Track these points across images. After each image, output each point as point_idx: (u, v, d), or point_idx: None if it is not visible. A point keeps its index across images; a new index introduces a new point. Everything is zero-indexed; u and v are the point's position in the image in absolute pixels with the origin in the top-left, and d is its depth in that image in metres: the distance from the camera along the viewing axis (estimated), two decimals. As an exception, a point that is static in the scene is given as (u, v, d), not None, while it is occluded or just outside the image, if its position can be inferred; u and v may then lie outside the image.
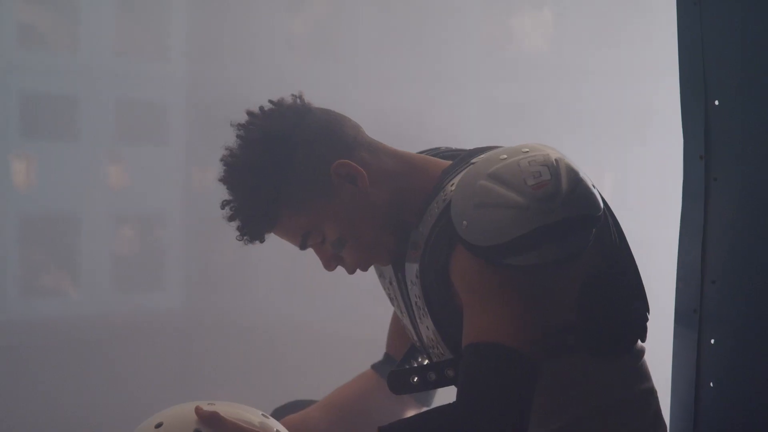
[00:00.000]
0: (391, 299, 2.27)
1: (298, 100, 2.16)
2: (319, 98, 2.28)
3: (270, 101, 2.16)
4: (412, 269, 2.11)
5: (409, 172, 2.15)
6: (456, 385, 2.00)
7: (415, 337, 2.21)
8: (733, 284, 2.07)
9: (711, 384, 2.09)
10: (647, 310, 2.13)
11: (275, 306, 26.37)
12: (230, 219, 2.13)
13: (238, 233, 2.14)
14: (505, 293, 1.95)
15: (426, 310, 2.09)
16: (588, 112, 25.17)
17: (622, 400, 2.09)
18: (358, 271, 2.18)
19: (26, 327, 21.80)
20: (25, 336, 21.18)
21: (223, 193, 2.19)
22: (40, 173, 24.34)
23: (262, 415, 2.03)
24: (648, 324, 2.15)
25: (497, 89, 25.66)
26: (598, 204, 2.01)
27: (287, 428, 2.30)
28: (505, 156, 2.02)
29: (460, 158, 2.13)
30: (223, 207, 2.14)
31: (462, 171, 2.07)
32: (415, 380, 2.12)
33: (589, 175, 2.08)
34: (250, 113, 2.15)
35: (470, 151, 2.18)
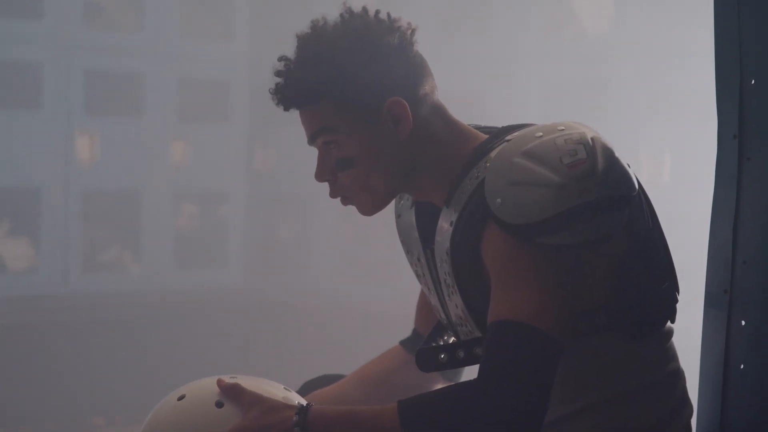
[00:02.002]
0: (418, 276, 2.27)
1: (410, 32, 2.17)
2: None
3: (388, 14, 2.18)
4: (442, 246, 2.10)
5: (454, 143, 2.14)
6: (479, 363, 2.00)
7: (443, 315, 2.20)
8: (765, 265, 2.05)
9: (741, 366, 2.07)
10: (677, 291, 2.12)
11: (332, 285, 26.35)
12: (277, 74, 2.15)
13: (273, 89, 2.15)
14: (535, 272, 1.94)
15: (456, 287, 2.08)
16: (649, 92, 24.88)
17: (650, 381, 2.08)
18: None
19: (88, 301, 21.92)
20: (87, 310, 21.34)
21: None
22: (104, 149, 24.46)
23: (285, 388, 2.05)
24: (678, 305, 2.14)
25: (557, 69, 25.43)
26: (633, 184, 2.00)
27: (318, 402, 2.31)
28: (541, 134, 2.01)
29: (493, 135, 2.12)
30: (280, 60, 2.16)
31: (497, 148, 2.07)
32: (443, 358, 2.12)
33: (627, 155, 2.07)
34: (365, 9, 2.17)
35: (504, 128, 2.17)
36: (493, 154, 2.06)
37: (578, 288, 1.98)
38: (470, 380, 1.95)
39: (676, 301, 2.12)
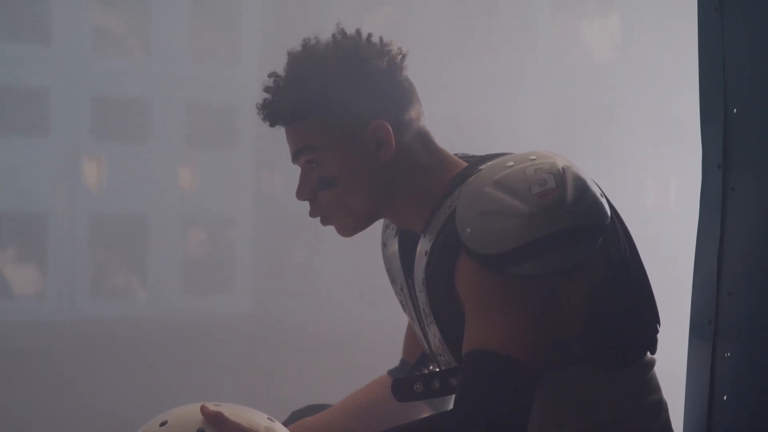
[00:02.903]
0: (403, 306, 2.27)
1: (400, 57, 2.18)
2: None
3: (381, 38, 2.19)
4: (419, 276, 2.10)
5: (435, 171, 2.14)
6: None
7: (426, 344, 2.20)
8: (750, 296, 2.04)
9: (725, 398, 2.06)
10: (657, 321, 2.11)
11: (340, 310, 26.30)
12: (266, 90, 2.16)
13: (260, 104, 2.17)
14: (506, 302, 1.94)
15: (432, 317, 2.08)
16: (656, 118, 24.87)
17: (630, 412, 2.07)
18: None
19: (95, 326, 21.90)
20: (94, 335, 21.31)
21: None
22: (111, 174, 24.49)
23: (268, 418, 2.04)
24: (658, 336, 2.13)
25: (564, 96, 25.45)
26: (605, 213, 1.99)
27: (303, 431, 2.30)
28: (512, 163, 2.01)
29: (471, 164, 2.13)
30: (270, 76, 2.17)
31: (470, 177, 2.07)
32: (418, 388, 2.11)
33: (598, 183, 2.06)
34: (359, 31, 2.18)
35: (482, 157, 2.17)
36: (465, 184, 2.06)
37: (552, 317, 1.97)
38: (446, 411, 1.95)
39: (656, 331, 2.11)
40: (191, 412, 2.01)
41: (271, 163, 27.65)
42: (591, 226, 1.96)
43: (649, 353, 2.11)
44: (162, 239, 25.94)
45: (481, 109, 25.20)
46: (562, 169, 1.98)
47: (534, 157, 2.02)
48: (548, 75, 25.25)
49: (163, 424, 2.00)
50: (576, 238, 1.94)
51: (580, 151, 25.06)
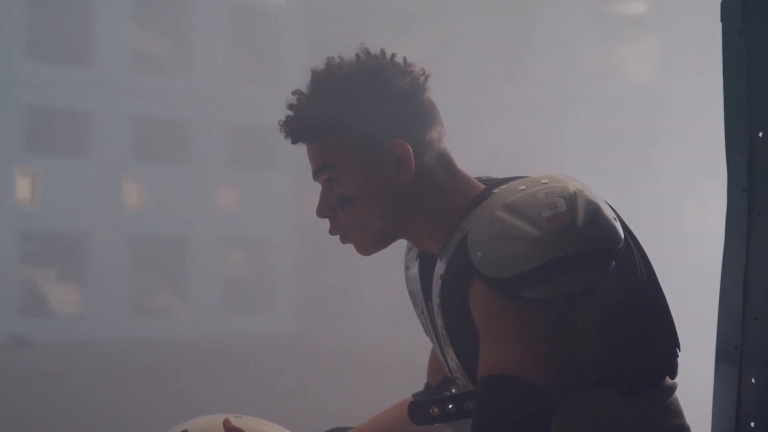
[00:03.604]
0: (425, 329, 2.26)
1: (423, 78, 2.18)
2: None
3: (404, 58, 2.19)
4: (436, 299, 2.10)
5: (453, 193, 2.14)
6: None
7: (446, 367, 2.20)
8: (775, 322, 2.01)
9: (752, 424, 2.03)
10: (677, 346, 2.09)
11: (381, 331, 26.24)
12: (289, 107, 2.17)
13: (282, 121, 2.17)
14: (519, 326, 1.93)
15: (449, 340, 2.08)
16: (695, 140, 24.70)
17: None
18: None
19: (134, 346, 21.96)
20: (133, 355, 21.39)
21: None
22: (151, 195, 24.60)
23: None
24: (678, 360, 2.10)
25: (605, 118, 25.34)
26: (618, 237, 1.97)
27: None
28: (524, 187, 2.01)
29: (488, 187, 2.12)
30: (293, 93, 2.18)
31: (484, 201, 2.06)
32: (435, 411, 2.10)
33: (612, 207, 2.05)
34: (383, 51, 2.19)
35: (499, 180, 2.16)
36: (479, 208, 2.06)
37: (566, 341, 1.96)
38: None
39: (675, 356, 2.09)
40: (213, 424, 2.03)
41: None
42: (602, 249, 1.94)
43: (668, 378, 2.08)
44: (202, 260, 26.03)
45: (521, 132, 25.16)
46: (574, 192, 1.97)
47: (546, 181, 2.01)
48: (588, 98, 25.18)
49: None
50: (587, 261, 1.92)
51: (621, 174, 24.97)
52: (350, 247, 2.18)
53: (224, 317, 26.07)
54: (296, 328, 27.05)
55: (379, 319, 26.75)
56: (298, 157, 26.98)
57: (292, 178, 26.88)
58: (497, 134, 25.28)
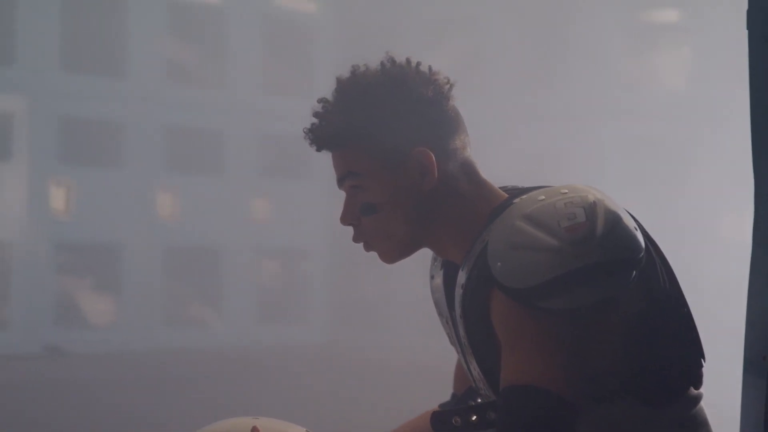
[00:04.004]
0: (450, 339, 2.25)
1: (447, 86, 2.18)
2: None
3: (429, 67, 2.19)
4: (458, 309, 2.09)
5: (476, 202, 2.13)
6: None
7: (470, 377, 2.19)
8: (804, 331, 1.99)
9: (780, 435, 2.01)
10: (702, 356, 2.07)
11: (414, 341, 26.28)
12: (314, 115, 2.17)
13: (307, 129, 2.18)
14: (539, 336, 1.92)
15: (471, 350, 2.07)
16: (728, 149, 24.57)
17: None
18: None
19: (169, 356, 22.03)
20: (169, 365, 21.45)
21: None
22: (185, 206, 24.69)
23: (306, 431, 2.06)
24: (703, 371, 2.08)
25: (637, 126, 25.26)
26: (638, 246, 1.96)
27: None
28: (543, 197, 2.00)
29: (509, 197, 2.11)
30: (319, 101, 2.18)
31: (504, 211, 2.05)
32: (457, 421, 2.10)
33: (634, 216, 2.04)
34: (409, 60, 2.19)
35: (521, 189, 2.15)
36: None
37: (587, 351, 1.95)
38: None
39: (700, 366, 2.07)
40: (241, 425, 2.05)
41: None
42: (622, 259, 1.93)
43: (693, 389, 2.07)
44: (235, 270, 26.10)
45: (554, 140, 25.12)
46: (593, 202, 1.96)
47: (566, 191, 2.00)
48: (621, 106, 25.11)
49: None
50: (606, 271, 1.91)
51: (653, 182, 24.88)
52: None
53: (257, 327, 26.13)
54: (329, 337, 27.08)
55: (411, 328, 26.75)
56: (330, 166, 26.93)
57: (325, 187, 26.91)
58: (530, 142, 25.24)
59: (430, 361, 25.97)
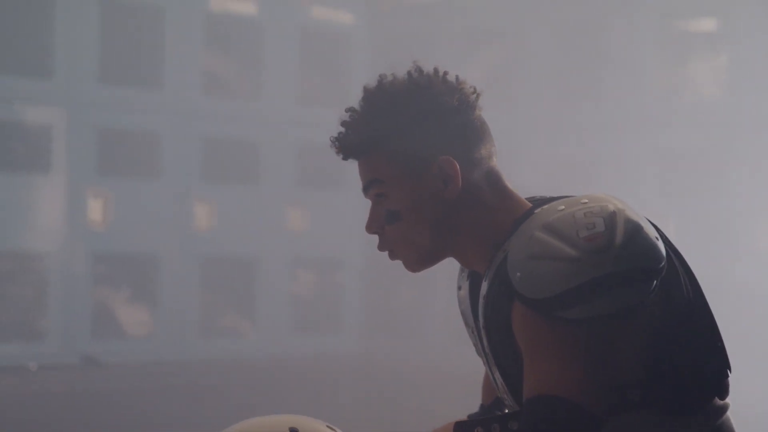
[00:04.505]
0: (476, 349, 2.27)
1: (473, 95, 2.19)
2: None
3: (456, 76, 2.20)
4: (481, 319, 2.11)
5: (500, 212, 2.14)
6: None
7: (496, 387, 2.20)
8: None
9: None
10: (727, 366, 2.06)
11: (447, 352, 26.26)
12: (342, 124, 2.19)
13: (334, 138, 2.20)
14: (559, 346, 1.93)
15: (494, 360, 2.08)
16: (766, 158, 24.37)
17: None
18: None
19: (205, 366, 22.12)
20: (204, 374, 21.55)
21: None
22: (221, 216, 24.80)
23: (327, 426, 2.08)
24: (729, 380, 2.07)
25: (673, 136, 25.14)
26: (658, 256, 1.96)
27: None
28: (563, 207, 2.01)
29: (532, 207, 2.12)
30: (347, 110, 2.20)
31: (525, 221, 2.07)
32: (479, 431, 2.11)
33: (656, 225, 2.04)
34: (436, 70, 2.20)
35: (544, 199, 2.16)
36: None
37: (607, 361, 1.95)
38: None
39: (726, 376, 2.06)
40: (278, 424, 2.08)
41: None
42: (641, 269, 1.93)
43: (718, 399, 2.06)
44: (271, 280, 26.14)
45: (590, 150, 25.02)
46: (613, 212, 1.97)
47: (586, 201, 2.01)
48: (656, 115, 24.99)
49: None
50: (625, 281, 1.92)
51: (690, 192, 24.74)
52: None
53: (292, 337, 26.15)
54: (363, 347, 27.05)
55: (445, 337, 26.68)
56: (366, 177, 26.94)
57: (360, 198, 26.76)
58: (565, 152, 25.15)
59: (463, 371, 25.89)
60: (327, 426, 2.11)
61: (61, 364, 22.78)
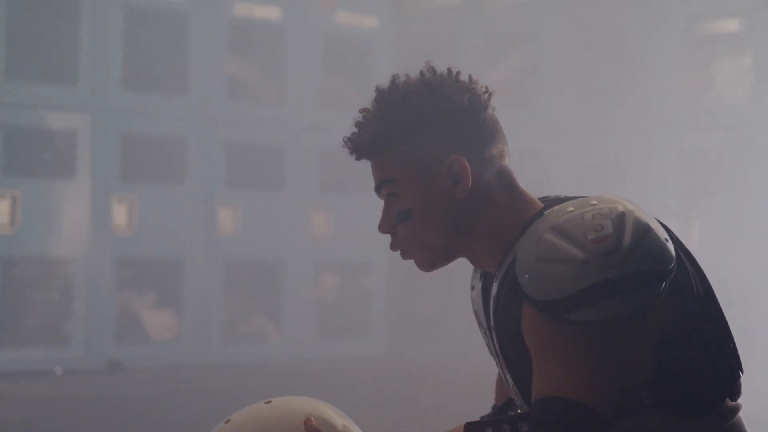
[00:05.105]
0: (489, 350, 2.28)
1: (486, 94, 2.19)
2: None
3: (470, 76, 2.21)
4: (491, 321, 2.11)
5: (511, 212, 2.14)
6: None
7: (508, 388, 2.21)
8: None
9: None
10: (739, 367, 2.06)
11: (473, 356, 26.32)
12: (355, 124, 2.21)
13: (346, 138, 2.21)
14: (568, 349, 1.93)
15: (504, 361, 2.09)
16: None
17: None
18: None
19: (229, 371, 22.24)
20: (229, 380, 21.67)
21: None
22: (245, 221, 24.92)
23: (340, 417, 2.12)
24: (741, 381, 2.07)
25: (696, 137, 25.06)
26: (667, 258, 1.96)
27: None
28: (572, 208, 2.01)
29: (543, 208, 2.12)
30: (360, 111, 2.22)
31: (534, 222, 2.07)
32: None
33: (665, 227, 2.04)
34: (450, 70, 2.21)
35: (555, 200, 2.16)
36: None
37: (617, 363, 1.95)
38: None
39: (737, 377, 2.06)
40: (291, 415, 2.12)
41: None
42: (650, 271, 1.93)
43: (730, 400, 2.05)
44: (296, 284, 26.14)
45: (612, 152, 24.92)
46: (622, 213, 1.97)
47: (595, 202, 2.01)
48: (680, 117, 24.88)
49: (267, 402, 2.15)
50: (634, 283, 1.92)
51: (713, 194, 24.63)
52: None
53: (317, 341, 26.16)
54: (389, 350, 27.01)
55: (471, 341, 26.62)
56: (390, 181, 26.89)
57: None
58: (588, 154, 25.07)
59: (488, 373, 25.83)
60: (339, 416, 2.14)
61: (86, 368, 22.88)
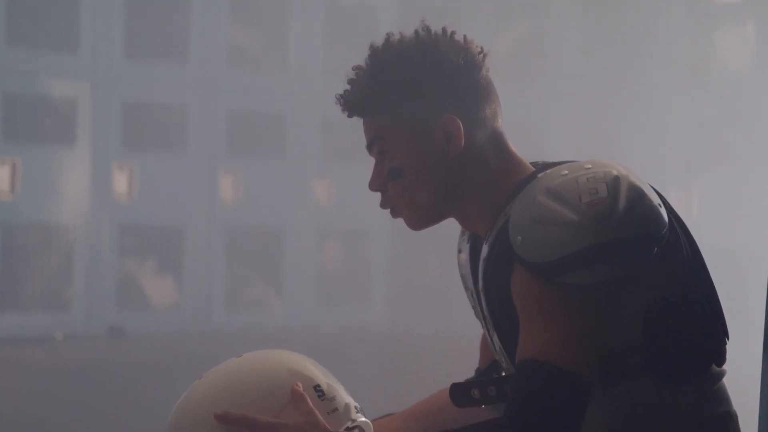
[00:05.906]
0: (475, 312, 2.27)
1: (480, 55, 2.18)
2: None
3: (464, 36, 2.20)
4: (480, 282, 2.11)
5: (503, 174, 2.13)
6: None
7: (493, 350, 2.20)
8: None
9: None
10: (725, 334, 2.06)
11: (475, 325, 26.29)
12: (348, 82, 2.20)
13: (339, 95, 2.20)
14: (556, 311, 1.92)
15: (492, 323, 2.08)
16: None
17: (695, 423, 2.03)
18: None
19: (231, 338, 22.29)
20: (230, 347, 21.45)
21: None
22: (247, 189, 24.94)
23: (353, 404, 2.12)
24: (727, 347, 2.07)
25: (700, 105, 25.02)
26: (660, 223, 1.95)
27: None
28: (566, 172, 2.00)
29: (535, 171, 2.12)
30: (354, 68, 2.21)
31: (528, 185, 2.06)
32: (475, 393, 2.11)
33: (658, 192, 2.03)
34: (444, 30, 2.20)
35: (548, 164, 2.15)
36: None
37: (606, 327, 1.95)
38: (497, 418, 1.94)
39: (723, 344, 2.06)
40: (276, 377, 2.13)
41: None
42: (643, 235, 1.92)
43: (715, 366, 2.05)
44: (297, 252, 26.18)
45: (617, 123, 24.90)
46: (616, 177, 1.96)
47: (589, 166, 2.00)
48: (683, 85, 24.87)
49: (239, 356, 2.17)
50: (627, 247, 1.91)
51: (717, 162, 24.62)
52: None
53: (318, 309, 26.22)
54: (390, 318, 27.08)
55: (472, 310, 26.67)
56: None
57: (387, 170, 26.84)
58: (593, 125, 25.05)
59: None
60: (324, 375, 2.15)
61: (86, 334, 22.94)
